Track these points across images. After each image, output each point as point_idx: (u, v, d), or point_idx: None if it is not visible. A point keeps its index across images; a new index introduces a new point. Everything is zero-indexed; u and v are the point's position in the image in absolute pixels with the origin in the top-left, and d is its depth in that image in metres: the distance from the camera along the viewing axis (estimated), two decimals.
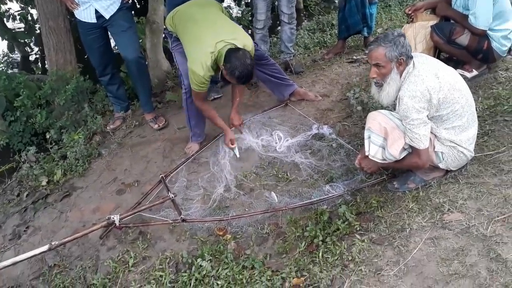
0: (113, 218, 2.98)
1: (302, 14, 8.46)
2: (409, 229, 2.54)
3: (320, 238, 2.73)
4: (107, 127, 4.48)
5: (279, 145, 3.69)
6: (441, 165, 2.76)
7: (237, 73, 3.17)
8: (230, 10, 9.01)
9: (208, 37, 3.31)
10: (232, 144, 3.68)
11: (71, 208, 3.60)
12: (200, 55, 3.29)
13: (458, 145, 2.68)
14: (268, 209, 3.10)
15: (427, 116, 2.60)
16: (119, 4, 3.89)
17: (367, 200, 2.95)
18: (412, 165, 2.76)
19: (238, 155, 3.65)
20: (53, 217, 3.54)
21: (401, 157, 2.73)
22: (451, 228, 2.43)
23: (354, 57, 4.84)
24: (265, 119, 4.05)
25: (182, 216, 3.03)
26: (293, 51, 4.83)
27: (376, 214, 2.79)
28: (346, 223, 2.76)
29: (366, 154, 2.84)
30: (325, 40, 5.66)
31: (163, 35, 5.40)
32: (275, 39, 5.89)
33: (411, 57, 2.65)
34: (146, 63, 5.41)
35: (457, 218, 2.49)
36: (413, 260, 2.35)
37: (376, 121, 2.75)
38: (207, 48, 3.26)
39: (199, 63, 3.27)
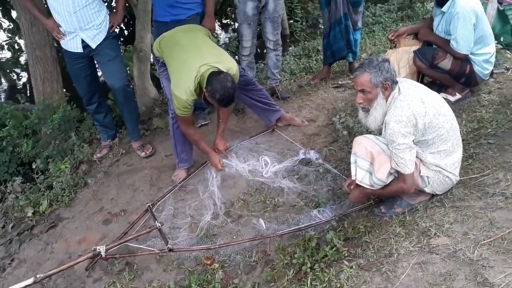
0: (99, 249, 2.94)
1: (288, 40, 8.56)
2: (396, 254, 2.53)
3: (309, 265, 2.70)
4: (94, 156, 4.45)
5: (266, 171, 3.69)
6: (427, 189, 2.77)
7: (218, 95, 3.19)
8: (218, 37, 9.11)
9: (192, 61, 3.33)
10: (221, 166, 3.71)
11: (57, 239, 3.55)
12: (184, 79, 3.31)
13: (444, 169, 2.70)
14: (256, 237, 3.08)
15: (413, 141, 2.62)
16: (106, 34, 3.92)
17: (354, 225, 2.94)
18: (397, 190, 2.77)
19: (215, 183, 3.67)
20: (38, 249, 3.49)
21: (388, 181, 2.74)
22: (438, 253, 2.43)
23: (340, 82, 4.89)
24: (252, 145, 4.06)
25: (169, 245, 2.99)
26: (279, 77, 4.88)
27: (364, 239, 2.77)
28: (334, 249, 2.74)
29: (353, 179, 2.84)
30: (311, 65, 5.72)
31: (151, 62, 5.44)
32: (262, 65, 5.95)
33: (396, 82, 2.68)
34: (134, 90, 5.44)
35: (443, 242, 2.49)
36: (401, 286, 2.33)
37: (362, 145, 2.76)
38: (191, 72, 3.28)
39: (182, 87, 3.29)
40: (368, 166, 2.74)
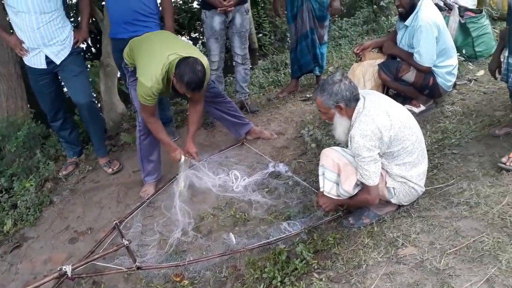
0: (65, 268, 2.86)
1: (257, 54, 8.61)
2: (365, 265, 2.54)
3: (279, 279, 2.69)
4: (60, 173, 4.36)
5: (236, 185, 3.67)
6: (393, 200, 2.81)
7: (186, 78, 3.10)
8: None
9: (161, 50, 3.28)
10: (178, 158, 3.57)
11: (22, 259, 3.46)
12: (151, 67, 3.25)
13: (409, 180, 2.74)
14: (226, 252, 3.05)
15: (379, 153, 2.65)
16: (70, 49, 3.87)
17: (324, 237, 2.94)
18: (362, 201, 2.80)
19: (181, 185, 3.57)
20: (2, 270, 3.39)
21: (355, 193, 2.77)
22: (406, 263, 2.45)
23: (307, 95, 4.94)
24: (222, 159, 4.04)
25: (137, 263, 2.93)
26: (248, 90, 4.89)
27: (333, 251, 2.78)
28: (304, 262, 2.73)
29: (321, 190, 2.86)
30: (279, 79, 5.77)
31: (118, 77, 5.39)
32: (231, 78, 5.96)
33: (356, 99, 2.69)
34: (99, 106, 5.38)
35: (411, 252, 2.51)
36: None
37: (329, 158, 2.78)
38: (159, 61, 3.22)
39: (148, 74, 3.23)
40: (336, 177, 2.76)
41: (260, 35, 8.95)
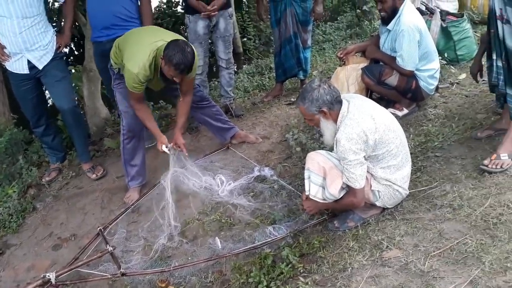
0: (48, 275, 2.83)
1: (242, 58, 8.64)
2: (350, 268, 2.54)
3: (265, 283, 2.68)
4: (43, 179, 4.32)
5: (222, 189, 3.66)
6: (377, 203, 2.82)
7: (175, 59, 3.04)
8: None
9: (149, 38, 3.27)
10: (162, 149, 3.51)
11: (4, 267, 3.42)
12: (138, 54, 3.22)
13: (394, 183, 2.76)
14: (212, 257, 3.04)
15: (364, 156, 2.66)
16: (53, 54, 3.84)
17: (309, 241, 2.94)
18: (348, 204, 2.81)
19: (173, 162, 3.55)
20: None
21: (340, 196, 2.78)
22: (391, 265, 2.46)
23: (292, 99, 4.96)
24: (207, 163, 4.02)
25: (121, 270, 2.90)
26: (232, 94, 4.90)
27: (319, 254, 2.78)
28: (289, 266, 2.73)
29: (307, 194, 2.86)
30: (264, 83, 5.79)
31: (101, 82, 5.35)
32: (216, 83, 5.96)
33: (339, 102, 2.70)
34: (83, 111, 5.34)
35: (395, 255, 2.52)
36: None
37: (315, 161, 2.79)
38: (147, 48, 3.20)
39: (135, 61, 3.19)
40: (321, 181, 2.77)
41: (245, 39, 8.99)
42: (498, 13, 2.86)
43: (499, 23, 2.88)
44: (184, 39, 3.26)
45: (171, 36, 3.36)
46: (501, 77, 3.05)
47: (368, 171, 2.74)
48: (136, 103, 3.44)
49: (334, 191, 2.74)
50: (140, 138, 3.75)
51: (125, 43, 3.40)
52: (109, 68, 3.65)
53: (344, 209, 2.94)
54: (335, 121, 2.72)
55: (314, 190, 2.80)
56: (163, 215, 3.49)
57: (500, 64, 3.02)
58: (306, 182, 2.85)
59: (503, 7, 2.78)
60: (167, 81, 3.32)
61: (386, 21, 3.73)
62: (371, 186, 2.78)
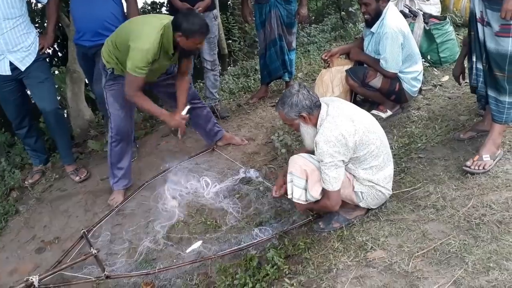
0: (31, 279, 2.79)
1: (227, 60, 8.63)
2: (335, 269, 2.56)
3: (250, 285, 2.68)
4: (26, 182, 4.26)
5: (207, 191, 3.65)
6: (361, 204, 2.84)
7: (197, 25, 3.06)
8: None
9: (154, 19, 3.25)
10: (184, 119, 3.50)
11: None
12: (146, 32, 3.14)
13: (376, 184, 2.78)
14: (197, 259, 3.03)
15: (344, 160, 2.66)
16: (35, 56, 3.79)
17: (295, 242, 2.95)
18: (323, 206, 2.83)
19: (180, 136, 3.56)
20: None
21: None
22: (375, 266, 2.48)
23: (277, 101, 4.94)
24: (192, 165, 4.01)
25: (106, 272, 2.88)
26: (218, 96, 4.89)
27: (304, 256, 2.79)
28: (275, 267, 2.74)
29: (289, 197, 2.86)
30: (249, 85, 5.79)
31: (85, 83, 5.31)
32: (201, 84, 5.95)
33: (317, 106, 2.73)
34: (67, 112, 5.29)
35: (380, 255, 2.54)
36: None
37: (297, 164, 2.80)
38: (154, 26, 3.16)
39: (144, 38, 3.11)
40: (304, 184, 2.77)
41: (230, 41, 8.98)
42: (478, 15, 2.91)
43: (479, 25, 2.92)
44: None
45: (168, 18, 3.30)
46: (481, 78, 3.10)
47: (350, 173, 2.77)
48: (136, 90, 3.30)
49: (316, 193, 2.75)
50: (128, 142, 3.72)
51: (125, 33, 3.30)
52: (101, 69, 3.57)
53: (320, 210, 2.97)
54: (315, 125, 2.75)
55: (297, 193, 2.80)
56: (148, 217, 3.49)
57: (479, 66, 3.07)
58: (289, 185, 2.83)
59: (483, 9, 2.82)
60: (186, 55, 3.36)
61: (369, 23, 3.76)
62: (354, 187, 2.80)
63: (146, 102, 3.38)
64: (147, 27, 3.18)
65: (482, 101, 3.22)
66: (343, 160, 2.66)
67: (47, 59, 4.14)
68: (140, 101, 3.37)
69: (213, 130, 4.16)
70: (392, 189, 2.92)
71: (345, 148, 2.63)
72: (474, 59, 3.12)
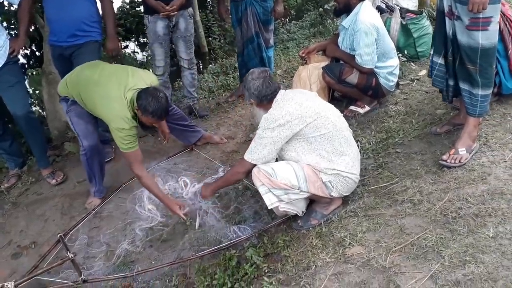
0: (7, 285, 2.75)
1: (207, 58, 8.58)
2: (314, 266, 2.55)
3: (229, 285, 2.67)
4: (1, 186, 4.20)
5: (186, 192, 3.61)
6: (333, 193, 2.82)
7: (151, 108, 3.03)
8: (135, 55, 8.97)
9: (115, 91, 3.19)
10: (183, 210, 3.32)
11: None
12: (116, 111, 3.15)
13: (341, 171, 2.77)
14: (175, 260, 3.00)
15: (278, 140, 2.72)
16: (6, 59, 3.73)
17: (274, 241, 2.94)
18: (231, 173, 2.99)
19: (197, 227, 3.30)
20: None
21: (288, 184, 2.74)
22: (353, 262, 2.48)
23: None
24: (170, 165, 3.98)
25: (82, 276, 2.85)
26: (196, 95, 4.85)
27: (283, 254, 2.78)
28: (254, 266, 2.73)
29: (269, 208, 2.85)
30: (229, 83, 5.75)
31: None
32: (180, 83, 5.89)
33: (267, 99, 2.84)
34: (38, 116, 5.19)
35: (358, 251, 2.54)
36: None
37: (255, 176, 2.79)
38: (120, 102, 3.15)
39: (119, 118, 3.13)
40: (267, 188, 2.76)
41: (210, 38, 8.93)
42: (446, 10, 2.92)
43: (447, 20, 2.94)
44: (151, 85, 3.25)
45: (132, 77, 3.28)
46: (435, 71, 3.20)
47: (315, 168, 2.77)
48: (139, 167, 3.28)
49: (280, 179, 2.73)
50: (100, 152, 3.69)
51: (87, 94, 3.30)
52: (60, 101, 3.61)
53: (227, 180, 3.05)
54: (267, 109, 2.84)
55: (268, 200, 2.79)
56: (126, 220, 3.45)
57: (436, 60, 3.15)
58: (266, 196, 2.80)
59: (452, 3, 2.83)
60: (147, 128, 3.44)
61: (337, 12, 3.85)
62: (321, 179, 2.79)
63: (152, 185, 3.30)
64: (117, 106, 3.16)
65: (444, 94, 3.30)
66: (276, 142, 2.73)
67: (19, 62, 4.06)
68: (145, 183, 3.29)
69: (188, 131, 4.11)
70: (369, 184, 2.92)
71: (283, 128, 2.70)
72: (432, 52, 3.20)
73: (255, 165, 2.78)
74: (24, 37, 3.94)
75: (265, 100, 2.84)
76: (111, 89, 3.21)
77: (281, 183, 2.72)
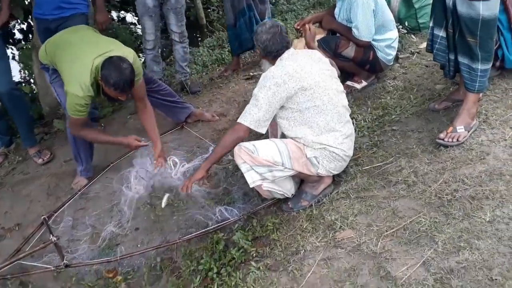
0: None
1: (205, 30, 8.36)
2: (303, 251, 2.46)
3: (215, 270, 2.58)
4: None
5: (175, 172, 3.49)
6: (320, 171, 2.70)
7: (112, 80, 2.87)
8: (132, 28, 8.77)
9: (85, 54, 3.02)
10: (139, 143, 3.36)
11: None
12: (77, 74, 2.98)
13: (327, 145, 2.65)
14: (161, 244, 2.90)
15: (273, 101, 2.60)
16: None
17: (263, 223, 2.84)
18: (226, 138, 2.80)
19: (163, 205, 3.27)
20: None
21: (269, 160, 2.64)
22: (343, 247, 2.38)
23: (251, 73, 4.77)
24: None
25: (65, 261, 2.76)
26: (188, 70, 4.69)
27: (272, 237, 2.68)
28: (241, 250, 2.64)
29: (251, 187, 2.74)
30: (223, 57, 5.57)
31: None
32: (172, 58, 5.73)
33: (273, 56, 2.76)
34: (35, 91, 5.07)
35: (348, 235, 2.43)
36: (307, 285, 2.25)
37: (236, 154, 2.72)
38: (85, 66, 2.97)
39: (76, 83, 2.96)
40: (249, 166, 2.67)
41: (209, 10, 8.69)
42: None
43: None
44: (120, 54, 3.02)
45: (105, 45, 3.13)
46: (437, 45, 3.03)
47: (301, 142, 2.68)
48: (81, 130, 3.23)
49: (261, 154, 2.64)
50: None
51: (59, 56, 3.15)
52: (40, 68, 3.45)
53: (219, 151, 2.83)
54: (273, 63, 2.80)
55: (251, 179, 2.69)
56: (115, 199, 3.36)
57: (437, 32, 2.98)
58: (247, 174, 2.70)
59: None
60: (113, 100, 3.23)
61: None
62: (306, 155, 2.67)
63: (96, 136, 3.34)
64: (79, 69, 2.99)
65: (446, 69, 3.12)
66: (271, 103, 2.61)
67: (2, 36, 3.90)
68: (89, 137, 3.32)
69: (177, 108, 3.97)
70: (363, 164, 2.80)
71: (279, 89, 2.60)
72: (432, 24, 3.01)
73: (250, 130, 2.68)
74: (7, 10, 3.78)
75: (270, 56, 2.77)
76: (82, 53, 3.06)
77: (263, 159, 2.61)
